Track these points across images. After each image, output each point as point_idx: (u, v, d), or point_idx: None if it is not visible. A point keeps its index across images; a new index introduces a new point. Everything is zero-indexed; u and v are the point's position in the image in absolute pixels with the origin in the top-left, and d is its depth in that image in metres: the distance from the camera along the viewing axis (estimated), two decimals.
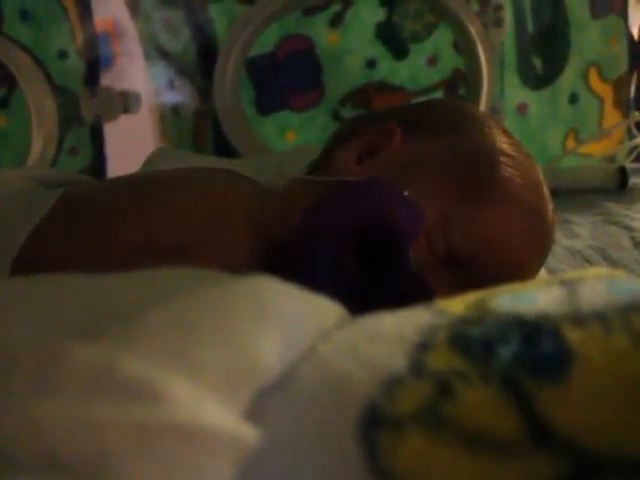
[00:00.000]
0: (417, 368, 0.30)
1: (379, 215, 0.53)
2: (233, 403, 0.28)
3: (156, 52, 1.39)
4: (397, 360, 0.30)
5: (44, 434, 0.25)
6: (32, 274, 0.40)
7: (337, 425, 0.28)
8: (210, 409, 0.27)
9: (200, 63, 1.36)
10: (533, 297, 0.35)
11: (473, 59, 1.32)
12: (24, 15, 1.29)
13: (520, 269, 0.57)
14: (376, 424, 0.28)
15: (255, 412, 0.29)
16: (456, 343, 0.31)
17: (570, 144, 1.43)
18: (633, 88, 1.43)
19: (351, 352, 0.31)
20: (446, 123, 0.63)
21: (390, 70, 1.37)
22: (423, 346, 0.31)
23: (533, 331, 0.30)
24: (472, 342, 0.30)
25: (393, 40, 1.35)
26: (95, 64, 1.35)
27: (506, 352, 0.30)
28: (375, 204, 0.54)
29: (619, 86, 1.42)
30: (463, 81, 1.37)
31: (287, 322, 0.33)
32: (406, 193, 0.54)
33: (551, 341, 0.30)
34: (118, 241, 0.54)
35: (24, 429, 0.25)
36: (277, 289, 0.35)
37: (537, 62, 1.40)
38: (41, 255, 0.54)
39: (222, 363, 0.29)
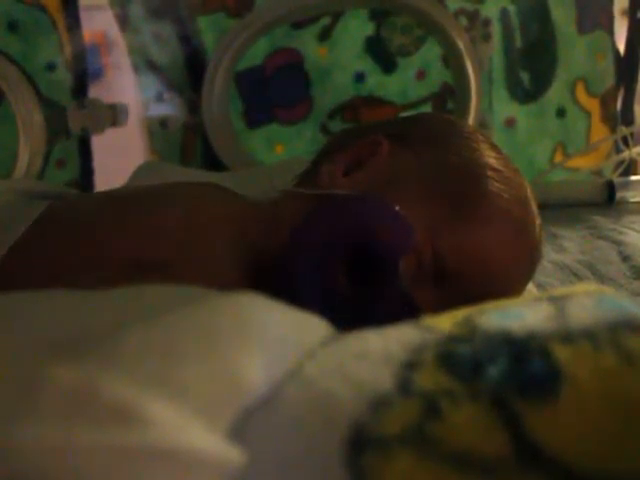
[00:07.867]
0: (404, 387, 0.29)
1: (369, 230, 0.53)
2: (217, 424, 0.28)
3: (145, 65, 1.38)
4: (384, 379, 0.30)
5: (19, 455, 0.24)
6: (12, 289, 0.40)
7: (323, 446, 0.27)
8: (194, 431, 0.27)
9: (189, 76, 1.36)
10: (521, 314, 0.34)
11: (461, 73, 1.33)
12: (12, 27, 1.28)
13: (508, 284, 0.56)
14: (362, 445, 0.27)
15: (240, 433, 0.29)
16: (444, 362, 0.30)
17: (558, 158, 1.43)
18: (620, 102, 1.43)
19: (337, 371, 0.31)
20: (434, 137, 0.63)
21: (379, 84, 1.37)
22: (410, 365, 0.31)
23: (522, 350, 0.30)
24: (460, 361, 0.30)
25: (382, 54, 1.36)
26: (83, 76, 1.34)
27: (494, 371, 0.29)
28: (365, 220, 0.54)
29: (606, 100, 1.43)
30: (451, 95, 1.38)
31: (272, 340, 0.32)
32: (397, 208, 0.53)
33: (540, 360, 0.29)
34: (102, 257, 0.53)
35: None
36: (262, 306, 0.34)
37: (525, 76, 1.40)
38: (22, 269, 0.53)
39: (205, 384, 0.28)
